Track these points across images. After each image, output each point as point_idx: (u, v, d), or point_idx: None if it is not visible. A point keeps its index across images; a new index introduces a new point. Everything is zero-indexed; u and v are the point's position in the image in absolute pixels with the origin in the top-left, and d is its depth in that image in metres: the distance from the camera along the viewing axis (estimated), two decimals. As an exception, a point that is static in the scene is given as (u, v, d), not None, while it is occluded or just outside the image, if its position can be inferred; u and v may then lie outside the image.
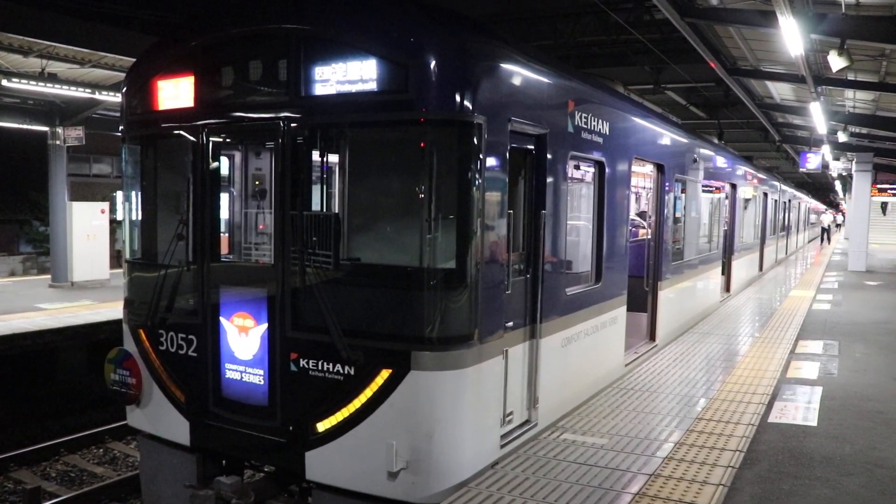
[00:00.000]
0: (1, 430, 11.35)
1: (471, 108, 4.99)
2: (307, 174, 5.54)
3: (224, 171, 6.88)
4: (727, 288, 15.96)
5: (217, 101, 5.85)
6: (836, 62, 10.41)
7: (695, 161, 11.58)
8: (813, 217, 52.93)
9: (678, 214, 11.06)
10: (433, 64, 4.92)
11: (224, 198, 6.70)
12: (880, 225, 39.11)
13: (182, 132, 5.99)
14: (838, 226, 66.09)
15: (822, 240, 47.90)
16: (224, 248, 6.75)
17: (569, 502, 4.99)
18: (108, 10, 17.89)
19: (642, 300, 9.81)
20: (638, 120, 8.73)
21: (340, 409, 5.22)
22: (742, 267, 17.62)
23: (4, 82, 13.15)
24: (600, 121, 7.15)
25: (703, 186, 12.58)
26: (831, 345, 10.96)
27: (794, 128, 25.00)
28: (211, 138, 5.88)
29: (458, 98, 4.96)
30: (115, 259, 20.52)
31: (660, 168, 9.77)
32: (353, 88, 5.12)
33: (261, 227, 7.17)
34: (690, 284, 11.98)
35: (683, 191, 11.30)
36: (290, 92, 5.40)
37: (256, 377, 5.64)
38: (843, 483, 5.58)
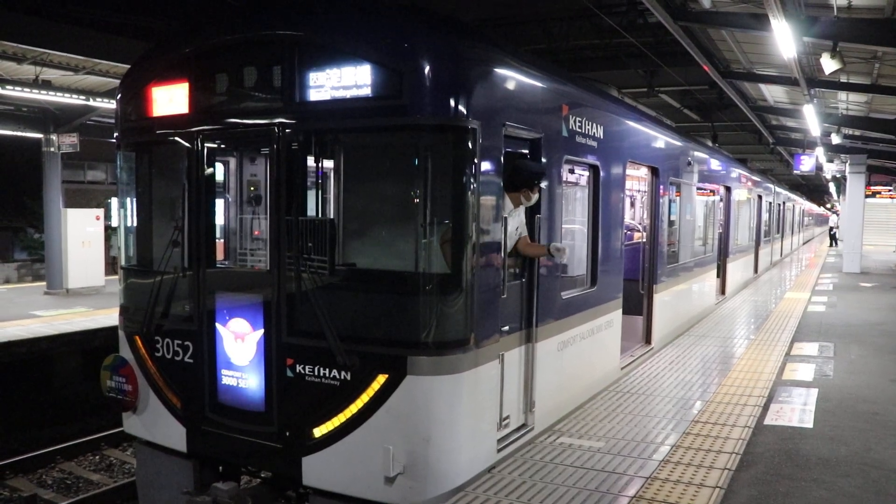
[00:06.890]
0: (-4, 438, 11.33)
1: (465, 113, 5.00)
2: (302, 180, 5.54)
3: (219, 177, 6.87)
4: (722, 290, 15.98)
5: (212, 108, 5.84)
6: (829, 65, 10.48)
7: (689, 164, 11.61)
8: (807, 220, 52.69)
9: (673, 217, 11.08)
10: (427, 69, 4.93)
11: (219, 204, 6.70)
12: (874, 226, 39.11)
13: (177, 138, 5.98)
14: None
15: (831, 241, 46.97)
16: (220, 255, 6.74)
17: (566, 506, 5.00)
18: (101, 16, 17.87)
19: (638, 303, 9.83)
20: (632, 123, 8.75)
21: (337, 415, 5.22)
22: (737, 269, 17.65)
23: (-2, 89, 13.15)
24: (594, 125, 7.17)
25: (697, 189, 12.61)
26: (827, 347, 10.98)
27: (787, 130, 25.10)
28: (206, 144, 5.88)
29: (452, 103, 4.97)
30: (111, 266, 20.49)
31: (654, 171, 9.80)
32: (348, 94, 5.11)
33: (256, 232, 7.16)
34: (686, 287, 12.00)
35: (678, 194, 11.32)
36: (285, 98, 5.41)
37: (253, 383, 5.64)
38: (838, 484, 5.60)
